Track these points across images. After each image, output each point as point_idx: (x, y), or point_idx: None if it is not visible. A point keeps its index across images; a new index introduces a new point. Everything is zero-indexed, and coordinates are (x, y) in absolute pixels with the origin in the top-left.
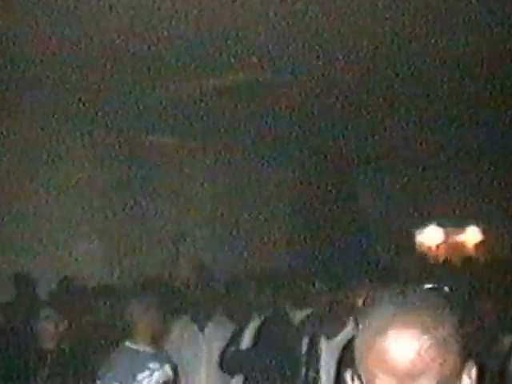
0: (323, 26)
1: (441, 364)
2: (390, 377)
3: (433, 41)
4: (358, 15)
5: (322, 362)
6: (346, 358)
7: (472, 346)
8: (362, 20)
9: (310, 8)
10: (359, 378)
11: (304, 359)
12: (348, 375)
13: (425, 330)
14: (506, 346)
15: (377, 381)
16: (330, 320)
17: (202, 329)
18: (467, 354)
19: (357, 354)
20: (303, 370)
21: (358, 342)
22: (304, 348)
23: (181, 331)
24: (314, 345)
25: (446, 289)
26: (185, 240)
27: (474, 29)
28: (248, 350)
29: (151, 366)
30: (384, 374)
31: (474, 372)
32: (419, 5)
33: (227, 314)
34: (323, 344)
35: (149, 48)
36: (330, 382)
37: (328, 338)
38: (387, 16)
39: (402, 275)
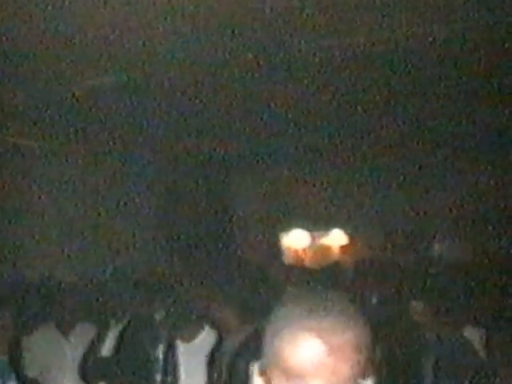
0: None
1: (333, 371)
2: (284, 377)
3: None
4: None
5: (182, 367)
6: (215, 360)
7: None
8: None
9: None
10: (265, 373)
11: (161, 364)
12: (256, 370)
13: (320, 335)
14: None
15: (274, 379)
16: (187, 323)
17: (66, 335)
18: (367, 362)
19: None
20: (160, 375)
21: (264, 340)
22: (160, 352)
23: (44, 338)
24: (170, 349)
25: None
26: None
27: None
28: (110, 356)
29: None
30: (279, 373)
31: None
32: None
33: (92, 319)
34: (180, 348)
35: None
36: None
37: (185, 341)
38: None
39: (270, 278)
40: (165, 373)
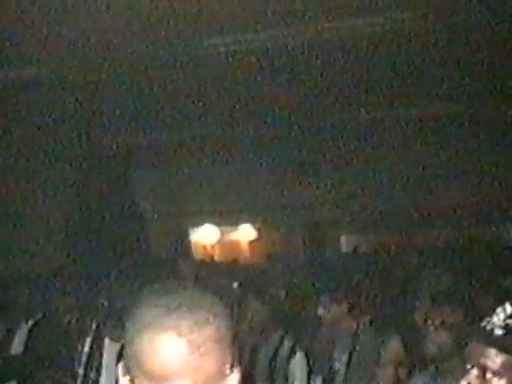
0: None
1: (197, 369)
2: (148, 379)
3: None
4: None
5: (104, 364)
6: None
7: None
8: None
9: None
10: (130, 373)
11: (85, 358)
12: (120, 369)
13: (179, 333)
14: (275, 342)
15: (136, 381)
16: (112, 321)
17: None
18: (232, 355)
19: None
20: (82, 370)
21: (125, 341)
22: (86, 348)
23: None
24: (96, 346)
25: (235, 285)
26: None
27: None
28: (19, 354)
29: None
30: (141, 375)
31: (237, 377)
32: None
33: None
34: (106, 346)
35: None
36: None
37: (114, 340)
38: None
39: (178, 274)
40: (89, 367)
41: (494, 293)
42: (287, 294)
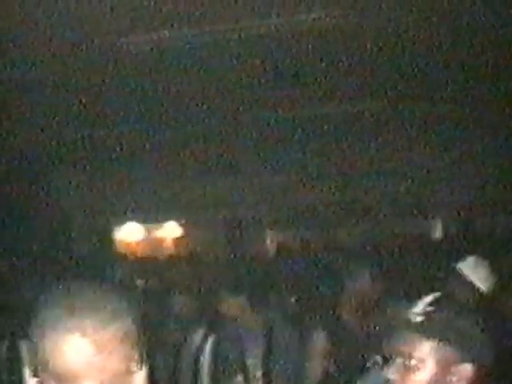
0: None
1: (103, 369)
2: (55, 380)
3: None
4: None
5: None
6: None
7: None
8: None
9: None
10: (38, 376)
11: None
12: (27, 372)
13: (83, 333)
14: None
15: (45, 382)
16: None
17: None
18: (138, 353)
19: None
20: (5, 374)
21: (32, 342)
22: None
23: None
24: (14, 348)
25: (140, 283)
26: None
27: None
28: None
29: None
30: (49, 377)
31: (143, 374)
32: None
33: None
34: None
35: None
36: None
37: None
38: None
39: (100, 272)
40: (10, 372)
41: (418, 286)
42: (211, 290)
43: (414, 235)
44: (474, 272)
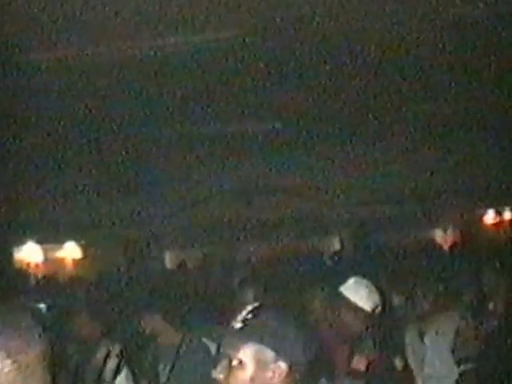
0: None
1: None
2: None
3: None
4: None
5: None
6: None
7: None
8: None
9: None
10: None
11: None
12: None
13: (8, 353)
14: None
15: None
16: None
17: None
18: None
19: None
20: None
21: None
22: None
23: None
24: None
25: (43, 307)
26: None
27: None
28: None
29: None
30: None
31: None
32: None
33: None
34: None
35: None
36: None
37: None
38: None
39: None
40: None
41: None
42: (113, 309)
43: (308, 254)
44: (356, 293)
